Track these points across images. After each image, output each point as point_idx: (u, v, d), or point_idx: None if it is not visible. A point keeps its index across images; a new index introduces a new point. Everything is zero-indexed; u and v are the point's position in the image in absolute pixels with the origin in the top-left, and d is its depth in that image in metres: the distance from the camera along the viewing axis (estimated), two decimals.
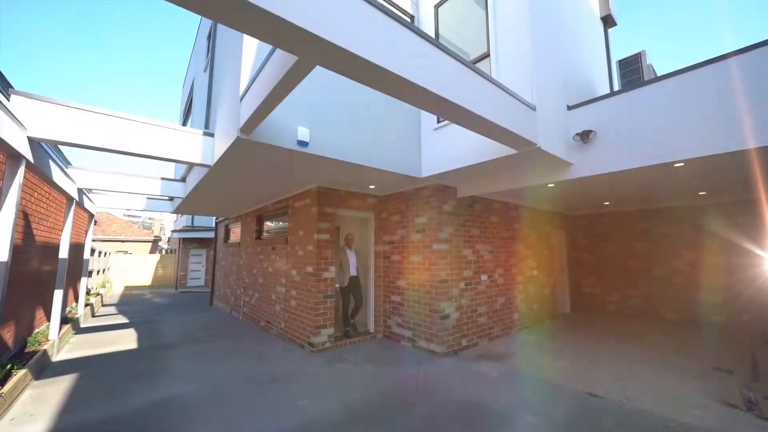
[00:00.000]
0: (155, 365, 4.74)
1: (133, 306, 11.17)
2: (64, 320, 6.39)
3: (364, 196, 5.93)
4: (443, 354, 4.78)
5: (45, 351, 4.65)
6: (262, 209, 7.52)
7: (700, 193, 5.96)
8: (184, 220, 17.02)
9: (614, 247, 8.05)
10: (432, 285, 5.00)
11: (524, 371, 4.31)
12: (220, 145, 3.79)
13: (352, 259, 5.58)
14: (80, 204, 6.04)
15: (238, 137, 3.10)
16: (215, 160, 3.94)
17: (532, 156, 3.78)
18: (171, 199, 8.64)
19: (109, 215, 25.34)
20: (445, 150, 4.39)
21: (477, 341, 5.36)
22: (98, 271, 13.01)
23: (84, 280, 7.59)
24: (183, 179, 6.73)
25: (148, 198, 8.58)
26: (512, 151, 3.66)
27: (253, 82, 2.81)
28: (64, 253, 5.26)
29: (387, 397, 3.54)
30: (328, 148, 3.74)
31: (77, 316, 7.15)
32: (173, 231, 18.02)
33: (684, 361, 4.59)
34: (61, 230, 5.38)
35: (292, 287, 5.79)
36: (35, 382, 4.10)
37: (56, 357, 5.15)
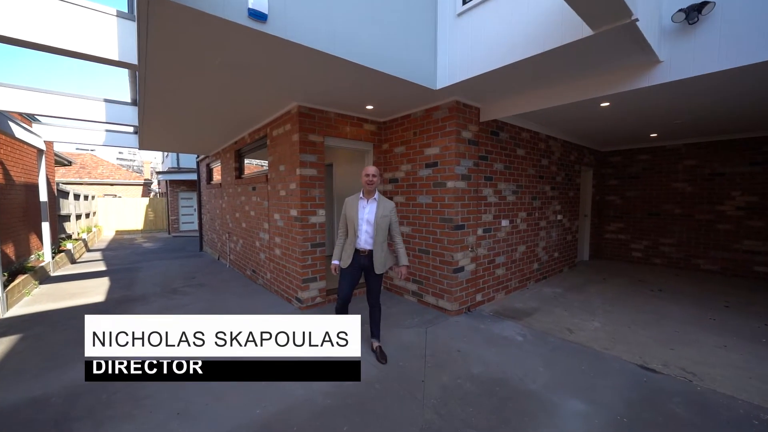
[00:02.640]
0: None
1: (120, 251, 10.57)
2: (20, 270, 5.64)
3: (360, 122, 4.69)
4: (455, 312, 4.04)
5: None
6: (240, 142, 6.31)
7: None
8: (170, 161, 15.74)
9: (649, 188, 6.99)
10: (444, 232, 4.06)
11: (553, 333, 3.58)
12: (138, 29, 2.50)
13: (366, 215, 2.89)
14: (5, 132, 4.83)
15: None
16: (138, 54, 2.67)
17: (606, 46, 2.52)
18: (136, 132, 7.37)
19: (94, 157, 23.94)
20: (474, 45, 3.06)
21: (493, 295, 4.61)
22: (79, 216, 12.17)
23: (45, 225, 6.69)
24: (135, 102, 5.41)
25: (107, 130, 7.30)
26: (581, 35, 2.38)
27: None
28: None
29: (389, 372, 2.81)
30: (300, 31, 2.45)
31: (42, 264, 6.41)
32: (158, 173, 16.85)
33: (742, 322, 3.86)
34: None
35: (276, 234, 4.88)
36: None
37: (6, 313, 4.46)
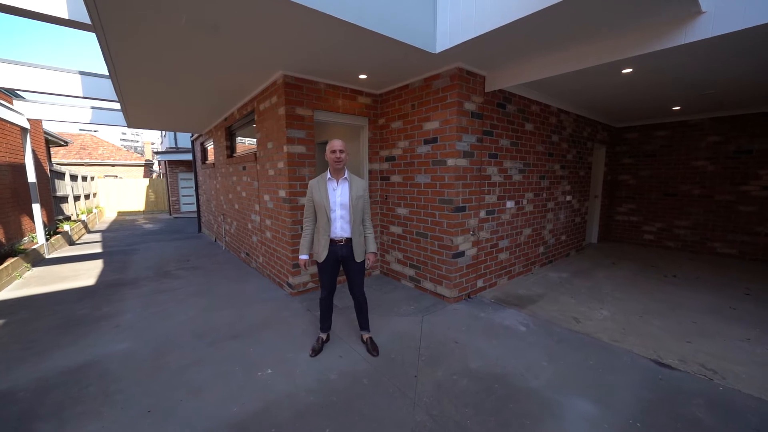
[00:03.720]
0: (102, 309, 3.89)
1: (120, 232, 10.49)
2: (10, 253, 5.52)
3: (354, 94, 4.30)
4: (454, 299, 3.81)
5: None
6: (230, 119, 5.96)
7: None
8: (168, 141, 15.42)
9: (667, 167, 6.54)
10: (443, 214, 3.76)
11: (558, 323, 3.34)
12: None
13: (339, 198, 2.57)
14: None
15: None
16: (88, 10, 2.32)
17: None
18: None
19: (94, 138, 23.66)
20: None
21: (495, 281, 4.36)
22: (78, 197, 12.06)
23: (36, 206, 6.52)
24: None
25: (93, 107, 6.98)
26: None
27: None
28: None
29: (379, 366, 2.60)
30: None
31: (35, 246, 6.29)
32: (155, 153, 16.59)
33: (766, 311, 3.57)
34: None
35: (266, 216, 4.63)
36: None
37: None
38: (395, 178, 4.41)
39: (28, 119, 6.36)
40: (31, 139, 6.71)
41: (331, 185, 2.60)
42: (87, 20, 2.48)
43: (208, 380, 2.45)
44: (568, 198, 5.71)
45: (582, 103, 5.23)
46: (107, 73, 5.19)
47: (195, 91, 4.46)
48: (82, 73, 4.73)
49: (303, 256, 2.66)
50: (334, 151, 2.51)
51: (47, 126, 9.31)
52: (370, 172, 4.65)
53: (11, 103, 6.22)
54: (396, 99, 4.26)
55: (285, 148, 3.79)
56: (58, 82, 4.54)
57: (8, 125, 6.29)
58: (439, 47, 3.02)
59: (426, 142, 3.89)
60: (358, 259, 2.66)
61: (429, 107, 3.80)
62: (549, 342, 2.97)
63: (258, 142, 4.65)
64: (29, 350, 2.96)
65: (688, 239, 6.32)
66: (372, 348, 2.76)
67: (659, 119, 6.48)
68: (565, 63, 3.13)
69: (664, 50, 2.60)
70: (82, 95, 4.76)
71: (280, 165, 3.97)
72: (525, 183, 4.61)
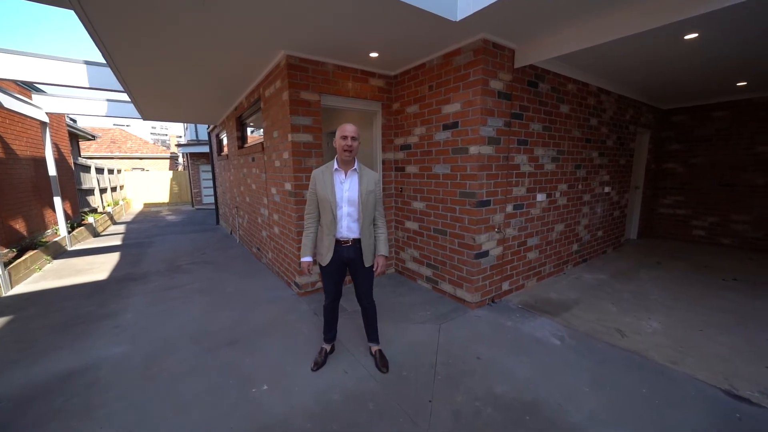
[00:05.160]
0: (108, 306, 3.79)
1: (144, 224, 10.72)
2: (31, 245, 5.60)
3: (365, 76, 3.89)
4: (476, 304, 3.41)
5: None
6: (240, 108, 5.72)
7: None
8: (189, 134, 15.64)
9: (724, 153, 5.72)
10: (464, 209, 3.33)
11: (599, 337, 2.87)
12: None
13: (346, 194, 2.21)
14: None
15: None
16: None
17: None
18: None
19: (123, 132, 24.53)
20: None
21: (522, 283, 3.91)
22: (104, 190, 12.46)
23: (57, 199, 6.63)
24: None
25: (108, 100, 6.95)
26: None
27: None
28: None
29: (388, 385, 2.27)
30: None
31: (57, 238, 6.40)
32: (177, 145, 16.90)
33: None
34: None
35: (274, 210, 4.37)
36: None
37: (9, 291, 4.38)
38: (411, 169, 4.00)
39: (47, 113, 6.40)
40: (51, 132, 6.79)
41: (338, 177, 2.23)
42: None
43: (199, 395, 2.21)
44: (607, 189, 5.09)
45: (627, 81, 4.56)
46: None
47: (196, 77, 4.20)
48: (87, 62, 4.60)
49: (305, 258, 2.31)
50: (345, 138, 2.12)
51: (80, 121, 9.51)
52: (383, 162, 4.26)
53: (29, 97, 6.27)
54: (412, 80, 3.81)
55: (289, 137, 3.47)
56: (63, 72, 4.43)
57: (28, 120, 6.35)
58: (461, 13, 2.56)
59: (445, 127, 3.44)
60: (367, 264, 2.30)
61: (449, 87, 3.34)
62: (589, 362, 2.52)
63: (264, 132, 4.36)
64: (27, 352, 2.86)
65: (748, 236, 5.53)
66: (381, 363, 2.42)
67: (716, 98, 5.64)
68: (613, 28, 2.58)
69: (749, 1, 2.03)
70: (88, 86, 4.63)
71: (285, 155, 3.66)
72: (558, 173, 4.07)
